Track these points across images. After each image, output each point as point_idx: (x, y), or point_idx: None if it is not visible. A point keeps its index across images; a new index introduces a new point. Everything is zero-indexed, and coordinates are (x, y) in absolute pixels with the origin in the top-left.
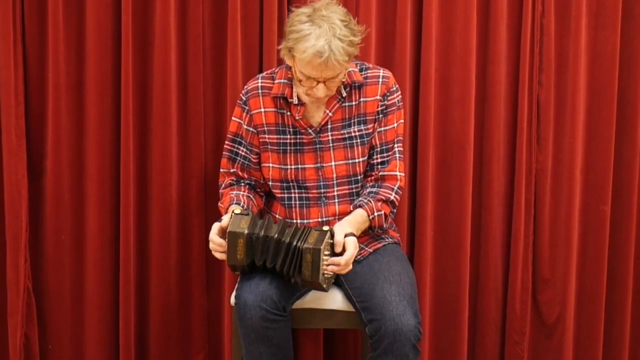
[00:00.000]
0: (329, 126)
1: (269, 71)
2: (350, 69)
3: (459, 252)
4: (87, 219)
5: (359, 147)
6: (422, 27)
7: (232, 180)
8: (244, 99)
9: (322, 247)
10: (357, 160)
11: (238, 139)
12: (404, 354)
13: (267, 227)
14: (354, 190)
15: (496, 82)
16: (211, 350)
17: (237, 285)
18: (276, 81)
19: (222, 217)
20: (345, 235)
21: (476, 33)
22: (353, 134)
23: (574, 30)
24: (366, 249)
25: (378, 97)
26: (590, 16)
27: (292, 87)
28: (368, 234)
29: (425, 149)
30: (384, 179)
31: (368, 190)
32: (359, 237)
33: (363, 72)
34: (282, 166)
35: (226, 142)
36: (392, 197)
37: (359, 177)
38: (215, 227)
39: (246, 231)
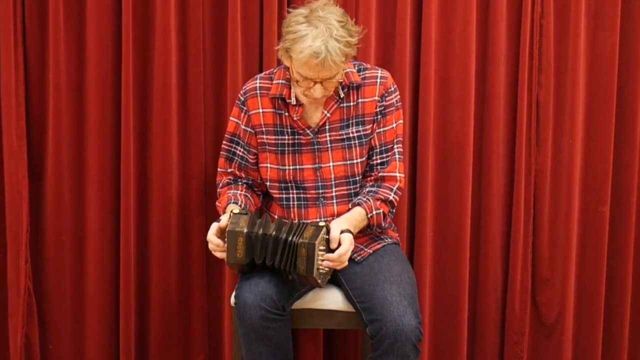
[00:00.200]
0: (327, 127)
1: (267, 72)
2: (348, 70)
3: (458, 252)
4: (88, 219)
5: (357, 148)
6: (421, 28)
7: (230, 179)
8: (242, 99)
9: (317, 242)
10: (355, 161)
11: (236, 139)
12: (404, 354)
13: (266, 225)
14: (352, 191)
15: (495, 83)
16: (211, 351)
17: (237, 285)
18: (274, 82)
19: (221, 217)
20: (342, 232)
21: (476, 34)
22: (351, 135)
23: (573, 31)
24: (366, 249)
25: (376, 98)
26: (589, 17)
27: (290, 88)
28: (367, 234)
29: (424, 150)
30: (384, 179)
31: (367, 190)
32: (358, 238)
33: (361, 73)
34: (280, 167)
35: (224, 141)
36: (391, 197)
37: (357, 178)
38: (214, 227)
39: (245, 230)
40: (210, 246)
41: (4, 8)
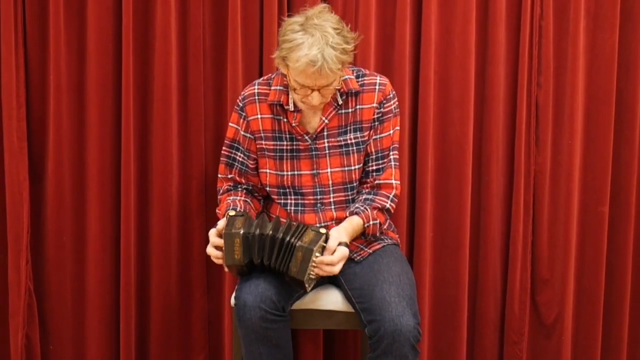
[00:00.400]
0: (325, 133)
1: (265, 77)
2: (346, 77)
3: (458, 252)
4: (88, 220)
5: (355, 155)
6: (421, 29)
7: (230, 185)
8: (241, 105)
9: (315, 248)
10: (352, 168)
11: (235, 145)
12: (403, 355)
13: (262, 225)
14: (350, 197)
15: (495, 84)
16: (211, 351)
17: (236, 286)
18: (272, 88)
19: (218, 222)
20: (339, 244)
21: (475, 35)
22: (349, 141)
23: (572, 32)
24: (365, 249)
25: (374, 105)
26: (588, 18)
27: (287, 94)
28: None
29: (424, 151)
30: (380, 187)
31: (364, 197)
32: (355, 240)
33: (359, 79)
34: (279, 172)
35: (223, 147)
36: (387, 205)
37: (355, 184)
38: (212, 234)
39: (242, 231)
40: (212, 258)
41: (5, 10)
